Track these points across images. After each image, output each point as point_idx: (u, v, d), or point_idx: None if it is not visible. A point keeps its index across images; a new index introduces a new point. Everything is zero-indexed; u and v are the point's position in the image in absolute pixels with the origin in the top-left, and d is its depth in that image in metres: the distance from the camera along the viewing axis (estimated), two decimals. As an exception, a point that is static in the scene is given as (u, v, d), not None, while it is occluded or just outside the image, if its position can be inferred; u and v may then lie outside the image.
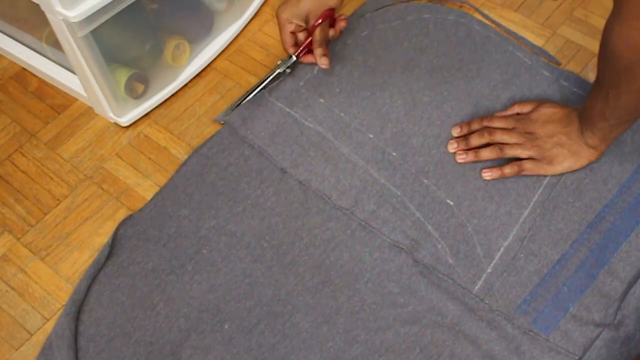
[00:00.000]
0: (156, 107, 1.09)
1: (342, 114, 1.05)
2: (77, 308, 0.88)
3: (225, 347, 0.86)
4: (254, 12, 1.20)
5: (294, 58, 1.06)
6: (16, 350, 0.88)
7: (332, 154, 1.01)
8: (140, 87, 1.06)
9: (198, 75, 1.13)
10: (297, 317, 0.88)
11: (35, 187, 1.02)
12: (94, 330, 0.87)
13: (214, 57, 1.14)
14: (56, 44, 1.06)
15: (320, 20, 1.02)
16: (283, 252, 0.93)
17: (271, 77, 1.06)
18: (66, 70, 1.11)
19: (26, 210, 1.00)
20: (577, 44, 1.13)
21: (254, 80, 1.12)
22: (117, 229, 0.95)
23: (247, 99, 1.06)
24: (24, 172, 1.03)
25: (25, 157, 1.05)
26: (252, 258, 0.92)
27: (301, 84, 1.08)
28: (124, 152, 1.05)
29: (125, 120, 1.06)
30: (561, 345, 0.85)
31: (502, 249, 0.92)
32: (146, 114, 1.08)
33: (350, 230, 0.94)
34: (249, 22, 1.20)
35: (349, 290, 0.90)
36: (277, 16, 1.04)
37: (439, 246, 0.92)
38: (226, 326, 0.87)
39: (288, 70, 1.07)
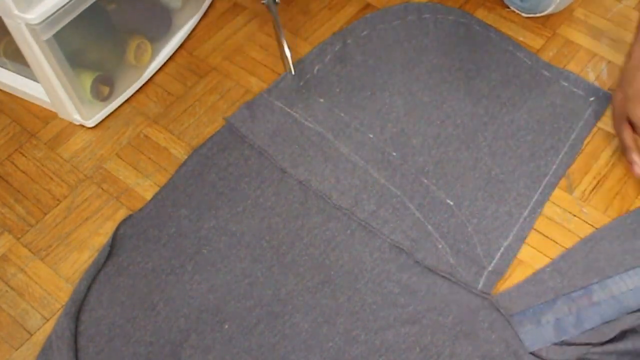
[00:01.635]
0: (156, 107, 1.09)
1: (342, 114, 1.05)
2: (77, 308, 0.88)
3: (225, 347, 0.86)
4: (207, 6, 1.21)
5: None
6: (16, 350, 0.88)
7: (332, 154, 1.01)
8: (105, 89, 1.06)
9: (198, 75, 1.13)
10: (297, 317, 0.88)
11: (35, 187, 1.02)
12: (94, 330, 0.87)
13: (173, 52, 1.15)
14: (14, 55, 1.04)
15: None
16: (283, 252, 0.93)
17: None
18: (26, 79, 1.10)
19: (26, 210, 1.00)
20: (577, 44, 1.13)
21: (254, 80, 1.12)
22: (117, 229, 0.95)
23: None
24: (23, 172, 1.03)
25: (25, 157, 1.05)
26: (252, 258, 0.92)
27: (301, 84, 1.08)
28: (124, 152, 1.05)
29: (92, 121, 1.06)
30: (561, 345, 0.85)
31: (502, 248, 0.92)
32: (146, 115, 1.08)
33: (350, 230, 0.94)
34: (248, 23, 1.20)
35: (349, 290, 0.90)
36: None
37: (440, 246, 0.92)
38: (226, 326, 0.87)
39: None
